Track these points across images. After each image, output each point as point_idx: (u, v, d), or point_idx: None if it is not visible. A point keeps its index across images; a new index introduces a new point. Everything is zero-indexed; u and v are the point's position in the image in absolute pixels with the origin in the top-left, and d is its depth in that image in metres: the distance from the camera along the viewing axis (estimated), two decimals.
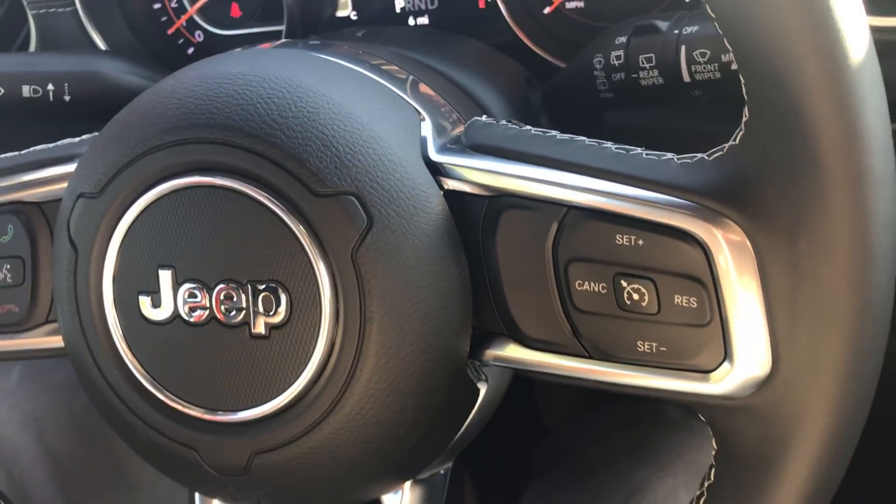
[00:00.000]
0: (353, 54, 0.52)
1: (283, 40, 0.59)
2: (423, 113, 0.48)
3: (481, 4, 0.73)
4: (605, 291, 0.42)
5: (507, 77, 0.64)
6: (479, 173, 0.44)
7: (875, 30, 0.37)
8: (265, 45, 0.58)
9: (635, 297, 0.41)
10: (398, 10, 0.75)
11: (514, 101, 0.61)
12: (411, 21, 0.75)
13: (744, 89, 0.37)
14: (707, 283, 0.40)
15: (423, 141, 0.46)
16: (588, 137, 0.44)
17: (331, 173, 0.42)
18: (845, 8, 0.34)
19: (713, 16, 0.37)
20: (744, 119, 0.38)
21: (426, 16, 0.74)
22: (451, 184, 0.45)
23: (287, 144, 0.43)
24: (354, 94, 0.46)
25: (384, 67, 0.51)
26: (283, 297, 0.43)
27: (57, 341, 0.52)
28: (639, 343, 0.42)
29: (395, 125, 0.46)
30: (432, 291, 0.43)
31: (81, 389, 0.51)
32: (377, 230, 0.42)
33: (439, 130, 0.47)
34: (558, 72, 0.67)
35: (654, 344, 0.41)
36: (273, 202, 0.43)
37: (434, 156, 0.45)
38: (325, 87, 0.45)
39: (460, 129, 0.48)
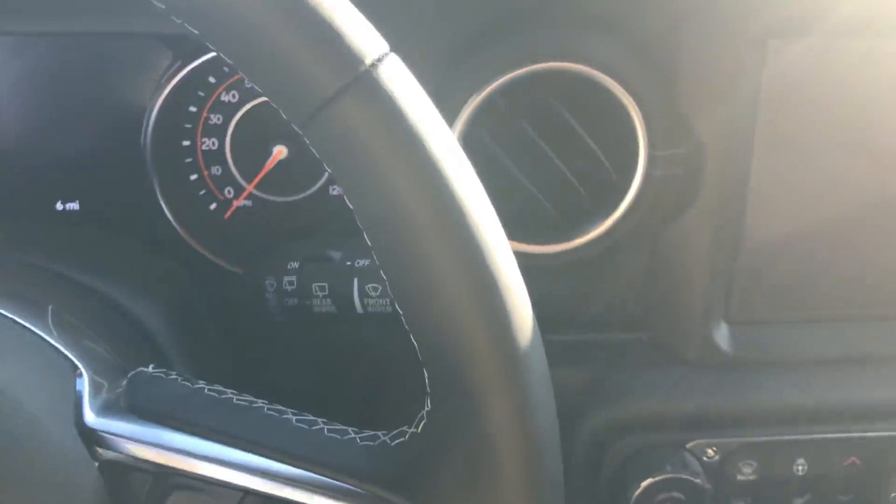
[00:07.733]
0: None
1: None
2: (80, 364, 0.42)
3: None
4: None
5: (166, 284, 0.60)
6: (142, 446, 0.40)
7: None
8: None
9: None
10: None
11: (178, 315, 0.57)
12: (59, 206, 0.68)
13: (427, 382, 0.38)
14: None
15: (79, 400, 0.41)
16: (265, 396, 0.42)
17: None
18: (519, 312, 0.36)
19: (401, 312, 0.36)
20: (425, 409, 0.38)
21: (77, 202, 0.68)
22: (108, 455, 0.40)
23: None
24: None
25: (32, 305, 0.45)
26: None
27: None
28: None
29: (42, 385, 0.40)
30: None
31: None
32: None
33: (97, 386, 0.42)
34: (223, 276, 0.64)
35: None
36: None
37: (90, 419, 0.40)
38: None
39: (123, 382, 0.43)
